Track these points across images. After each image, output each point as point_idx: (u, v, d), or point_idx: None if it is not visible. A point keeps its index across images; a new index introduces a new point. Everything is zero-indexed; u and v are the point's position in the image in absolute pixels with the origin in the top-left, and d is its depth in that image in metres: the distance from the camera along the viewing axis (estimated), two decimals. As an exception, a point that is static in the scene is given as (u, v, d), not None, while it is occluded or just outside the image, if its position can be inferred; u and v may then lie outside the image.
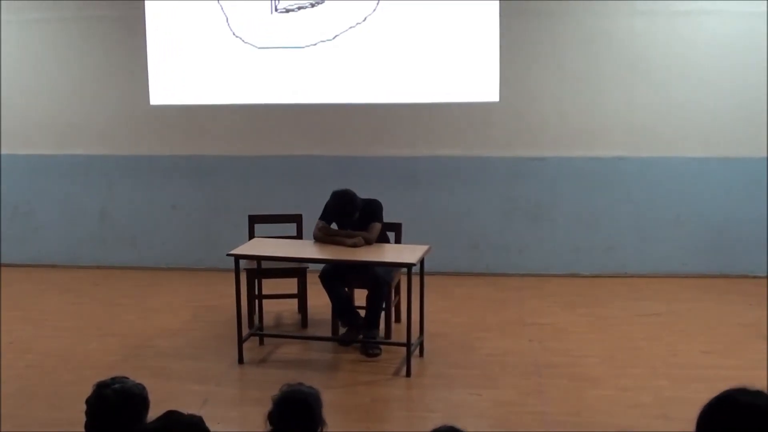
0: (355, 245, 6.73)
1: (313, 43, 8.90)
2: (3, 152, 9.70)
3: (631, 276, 8.85)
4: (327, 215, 7.06)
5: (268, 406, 3.73)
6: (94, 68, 9.41)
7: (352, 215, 6.89)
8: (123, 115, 9.44)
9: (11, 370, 6.67)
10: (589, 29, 8.60)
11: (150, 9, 9.14)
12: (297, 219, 7.67)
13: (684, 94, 8.58)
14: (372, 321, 6.97)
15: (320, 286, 7.04)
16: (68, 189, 9.71)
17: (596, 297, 8.29)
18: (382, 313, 7.10)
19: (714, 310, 7.75)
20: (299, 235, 7.57)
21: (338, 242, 6.84)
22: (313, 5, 8.83)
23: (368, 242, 6.78)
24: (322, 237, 6.96)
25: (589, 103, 8.73)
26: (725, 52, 8.48)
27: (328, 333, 7.20)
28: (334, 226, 7.06)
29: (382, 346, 6.88)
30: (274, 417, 3.68)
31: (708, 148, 8.61)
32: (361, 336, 6.99)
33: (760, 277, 8.57)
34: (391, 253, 6.79)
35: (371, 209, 6.95)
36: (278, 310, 7.84)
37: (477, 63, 8.74)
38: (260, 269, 7.37)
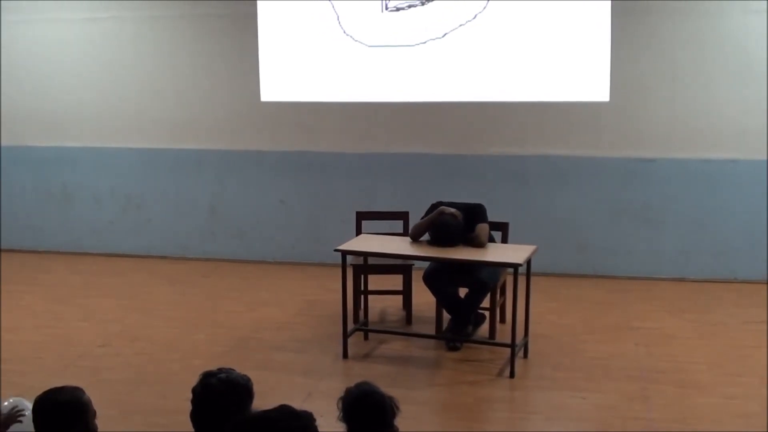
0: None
1: (423, 41, 8.91)
2: (118, 145, 9.95)
3: (741, 282, 8.64)
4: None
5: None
6: (207, 65, 9.57)
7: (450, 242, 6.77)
8: (234, 110, 9.58)
9: (120, 357, 6.88)
10: (701, 28, 8.41)
11: (262, 7, 9.26)
12: (404, 216, 7.70)
13: (800, 96, 8.36)
14: (464, 319, 7.01)
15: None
16: (179, 182, 9.90)
17: (704, 302, 8.12)
18: (488, 314, 7.14)
19: (827, 318, 7.55)
20: (406, 233, 7.56)
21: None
22: (423, 3, 8.84)
23: (481, 245, 6.69)
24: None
25: (701, 104, 8.54)
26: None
27: (433, 330, 7.22)
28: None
29: (487, 347, 6.90)
30: (347, 416, 3.70)
31: (824, 151, 8.38)
32: (469, 330, 7.07)
33: None
34: (497, 253, 6.72)
35: (476, 212, 6.88)
36: (383, 306, 7.89)
37: (588, 62, 8.64)
38: (367, 265, 7.43)
